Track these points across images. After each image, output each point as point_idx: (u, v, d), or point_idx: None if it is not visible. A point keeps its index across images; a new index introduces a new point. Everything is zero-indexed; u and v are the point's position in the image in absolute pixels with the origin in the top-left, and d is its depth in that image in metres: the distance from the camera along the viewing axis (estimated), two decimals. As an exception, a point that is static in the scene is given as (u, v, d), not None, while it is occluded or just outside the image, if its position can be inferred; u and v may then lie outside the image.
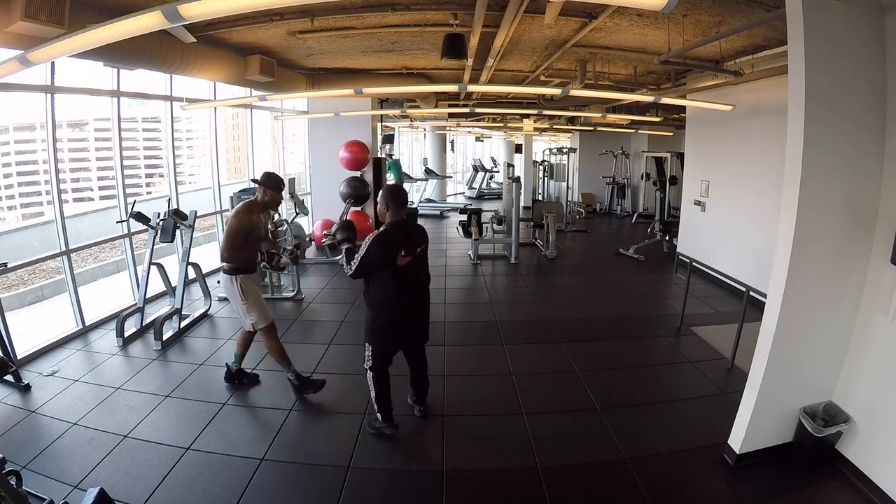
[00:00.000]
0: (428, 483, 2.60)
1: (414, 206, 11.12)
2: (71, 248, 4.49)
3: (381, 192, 2.91)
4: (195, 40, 4.06)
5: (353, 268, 2.74)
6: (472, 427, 3.11)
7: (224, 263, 3.32)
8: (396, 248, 2.72)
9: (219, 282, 3.86)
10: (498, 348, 4.28)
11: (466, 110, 8.73)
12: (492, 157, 18.50)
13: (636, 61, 5.62)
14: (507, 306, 5.57)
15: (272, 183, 3.37)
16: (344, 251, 2.87)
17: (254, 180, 3.39)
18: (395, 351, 3.00)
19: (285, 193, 3.79)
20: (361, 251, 2.72)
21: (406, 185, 12.10)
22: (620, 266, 7.39)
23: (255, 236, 3.36)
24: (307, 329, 4.81)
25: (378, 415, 2.99)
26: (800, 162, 2.32)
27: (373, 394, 2.97)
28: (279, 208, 3.78)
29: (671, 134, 10.65)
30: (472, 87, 4.77)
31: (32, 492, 2.27)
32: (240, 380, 3.63)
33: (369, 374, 2.94)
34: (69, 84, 4.52)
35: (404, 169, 11.73)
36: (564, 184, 11.97)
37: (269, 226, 3.54)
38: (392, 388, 2.99)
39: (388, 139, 10.70)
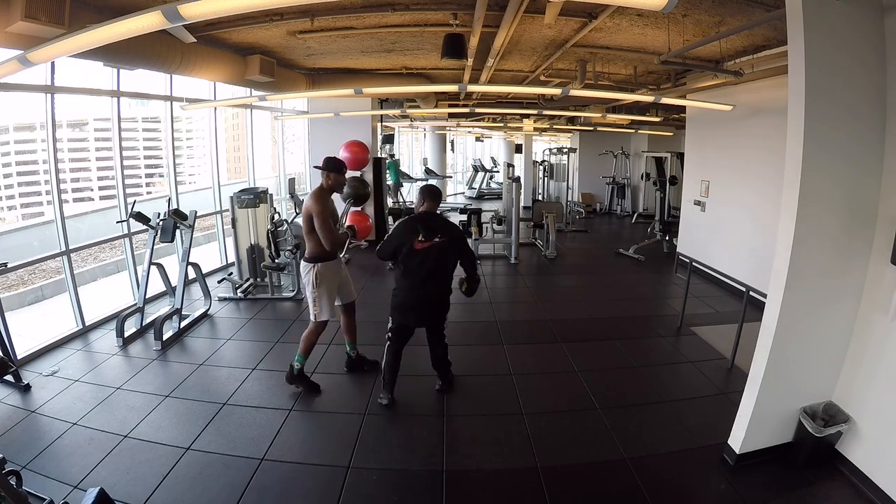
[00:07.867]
0: (428, 483, 2.60)
1: (413, 205, 11.10)
2: (71, 248, 4.49)
3: (418, 190, 3.39)
4: (195, 40, 4.06)
5: (378, 247, 3.23)
6: (472, 427, 3.12)
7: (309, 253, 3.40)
8: (413, 232, 3.11)
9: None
10: (498, 348, 4.28)
11: (466, 110, 8.72)
12: (492, 157, 18.48)
13: (636, 61, 5.62)
14: (507, 306, 5.57)
15: (334, 166, 3.41)
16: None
17: (316, 167, 3.49)
18: (405, 329, 3.30)
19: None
20: (389, 234, 3.22)
21: (405, 185, 12.10)
22: (620, 266, 7.38)
23: (334, 220, 3.45)
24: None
25: (383, 383, 3.36)
26: (800, 162, 2.32)
27: (383, 362, 3.34)
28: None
29: (671, 134, 10.64)
30: (472, 87, 4.77)
31: (32, 492, 2.27)
32: (306, 380, 3.54)
33: (386, 345, 3.33)
34: (69, 84, 4.52)
35: (404, 169, 11.71)
36: (564, 184, 11.96)
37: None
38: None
39: (388, 139, 10.69)
